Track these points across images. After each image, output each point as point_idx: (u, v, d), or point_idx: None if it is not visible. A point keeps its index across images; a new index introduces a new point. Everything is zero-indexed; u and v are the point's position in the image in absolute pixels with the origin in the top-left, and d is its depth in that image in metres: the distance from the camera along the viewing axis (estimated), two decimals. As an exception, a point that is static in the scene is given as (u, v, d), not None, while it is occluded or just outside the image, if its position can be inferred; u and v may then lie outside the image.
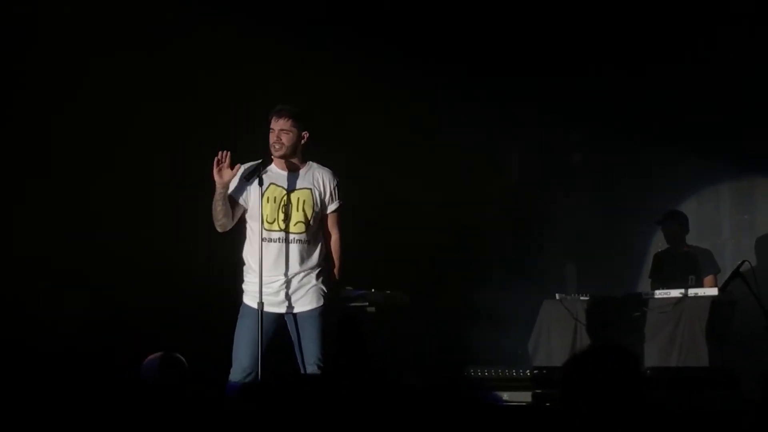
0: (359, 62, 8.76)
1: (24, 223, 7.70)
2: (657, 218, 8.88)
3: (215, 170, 6.32)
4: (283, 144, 6.38)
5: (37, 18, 7.80)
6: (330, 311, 6.40)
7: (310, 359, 6.23)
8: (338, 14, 8.81)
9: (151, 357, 5.58)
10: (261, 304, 6.24)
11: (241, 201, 6.49)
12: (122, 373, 5.94)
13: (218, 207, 6.38)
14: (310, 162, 6.53)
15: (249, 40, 8.34)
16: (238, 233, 6.55)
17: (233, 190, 6.49)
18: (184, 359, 5.54)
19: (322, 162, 6.60)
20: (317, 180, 6.46)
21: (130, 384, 4.93)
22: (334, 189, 6.49)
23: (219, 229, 6.47)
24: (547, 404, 5.36)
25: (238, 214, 6.52)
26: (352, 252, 6.71)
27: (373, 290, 7.81)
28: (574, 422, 2.87)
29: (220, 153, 6.33)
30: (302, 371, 6.19)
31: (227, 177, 6.33)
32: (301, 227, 6.41)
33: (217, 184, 6.35)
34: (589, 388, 2.90)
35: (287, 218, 6.41)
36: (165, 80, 8.15)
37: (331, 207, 6.50)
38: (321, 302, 6.37)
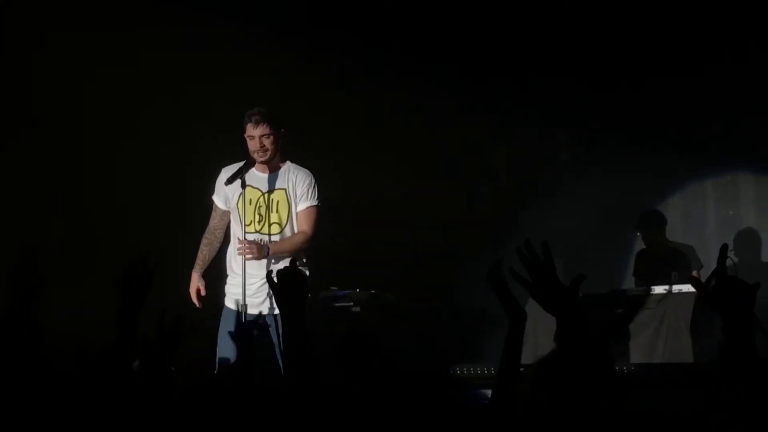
0: (345, 61, 8.77)
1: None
2: (633, 224, 8.89)
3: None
4: (267, 149, 6.39)
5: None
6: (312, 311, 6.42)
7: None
8: (324, 13, 8.81)
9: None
10: (244, 306, 6.27)
11: (225, 206, 6.53)
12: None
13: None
14: (288, 162, 6.54)
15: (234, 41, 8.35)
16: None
17: (218, 198, 6.56)
18: None
19: (305, 162, 6.61)
20: (292, 180, 6.47)
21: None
22: (307, 188, 6.47)
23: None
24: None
25: (226, 220, 6.57)
26: (336, 251, 6.74)
27: (357, 290, 7.82)
28: (540, 421, 2.87)
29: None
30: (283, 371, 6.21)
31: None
32: (277, 228, 6.43)
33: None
34: (555, 388, 2.90)
35: (263, 219, 6.43)
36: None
37: (301, 206, 6.46)
38: (300, 303, 6.37)
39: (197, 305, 6.47)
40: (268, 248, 6.35)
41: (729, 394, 2.74)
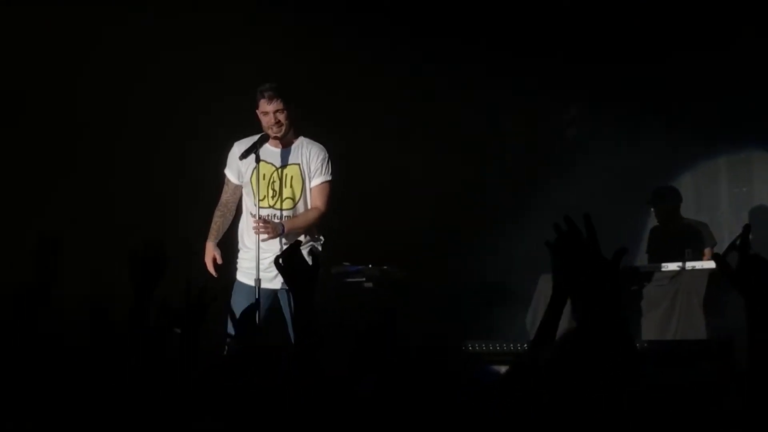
0: (356, 38, 8.74)
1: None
2: (647, 199, 8.84)
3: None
4: (282, 124, 6.37)
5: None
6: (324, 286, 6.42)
7: (303, 335, 6.24)
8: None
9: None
10: (258, 280, 6.25)
11: (238, 180, 6.52)
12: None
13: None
14: (302, 137, 6.52)
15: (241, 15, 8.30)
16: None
17: (231, 172, 6.55)
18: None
19: (318, 138, 6.59)
20: (305, 155, 6.45)
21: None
22: (321, 163, 6.46)
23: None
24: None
25: (238, 194, 6.56)
26: (349, 227, 6.71)
27: (370, 266, 7.81)
28: (559, 397, 2.85)
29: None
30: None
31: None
32: (290, 203, 6.42)
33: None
34: (575, 365, 2.87)
35: (276, 194, 6.41)
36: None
37: (315, 181, 6.45)
38: (313, 278, 6.36)
39: (214, 275, 6.46)
40: (283, 226, 6.34)
41: (756, 373, 2.72)
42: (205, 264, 6.54)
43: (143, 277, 3.50)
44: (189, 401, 3.23)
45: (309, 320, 3.42)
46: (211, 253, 6.51)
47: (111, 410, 3.17)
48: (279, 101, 6.36)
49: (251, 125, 6.57)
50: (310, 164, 6.44)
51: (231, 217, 6.63)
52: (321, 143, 6.56)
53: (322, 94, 8.42)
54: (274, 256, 5.80)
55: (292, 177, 6.45)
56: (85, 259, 7.54)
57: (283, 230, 6.32)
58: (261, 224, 6.26)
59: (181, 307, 3.50)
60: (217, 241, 6.58)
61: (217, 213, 6.63)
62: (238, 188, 6.57)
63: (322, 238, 6.53)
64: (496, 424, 2.93)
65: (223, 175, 6.64)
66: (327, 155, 6.49)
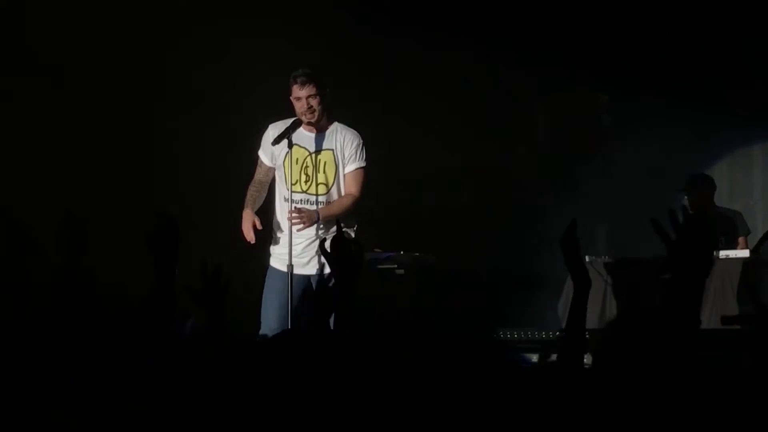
0: (384, 23, 8.72)
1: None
2: (680, 186, 8.76)
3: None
4: (315, 110, 6.34)
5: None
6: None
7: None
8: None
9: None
10: (290, 266, 6.23)
11: (271, 163, 6.50)
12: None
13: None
14: (336, 123, 6.48)
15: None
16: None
17: (264, 154, 6.52)
18: None
19: (350, 124, 6.56)
20: (339, 141, 6.41)
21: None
22: (355, 149, 6.42)
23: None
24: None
25: (271, 176, 6.54)
26: (380, 213, 6.68)
27: (401, 252, 7.78)
28: (609, 388, 2.83)
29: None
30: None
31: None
32: (324, 189, 6.39)
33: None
34: (633, 354, 2.84)
35: (309, 180, 6.39)
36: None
37: (349, 167, 6.41)
38: (346, 264, 6.34)
39: (252, 240, 6.41)
40: (318, 214, 6.31)
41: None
42: (242, 232, 6.47)
43: (161, 252, 3.47)
44: (221, 390, 3.21)
45: (351, 307, 3.41)
46: (251, 218, 6.43)
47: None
48: (312, 86, 6.33)
49: (285, 109, 6.54)
50: (344, 150, 6.41)
51: (264, 194, 6.59)
52: (355, 128, 6.52)
53: (356, 79, 8.39)
54: (319, 241, 5.85)
55: (325, 162, 6.42)
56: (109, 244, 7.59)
57: (318, 218, 6.30)
58: (296, 214, 6.23)
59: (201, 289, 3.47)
60: (254, 210, 6.53)
61: (252, 188, 6.60)
62: (271, 170, 6.55)
63: (355, 224, 6.49)
64: (535, 408, 2.91)
65: (257, 156, 6.61)
66: (361, 141, 6.45)
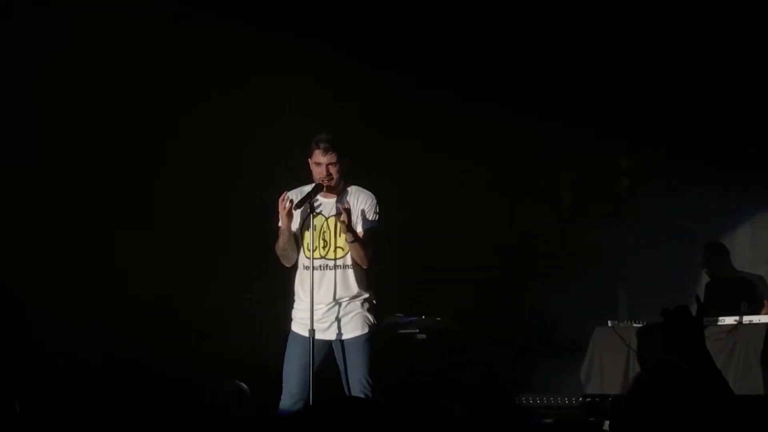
0: (408, 86, 8.78)
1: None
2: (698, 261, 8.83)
3: (282, 213, 6.33)
4: (333, 177, 6.35)
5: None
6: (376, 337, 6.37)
7: (357, 386, 6.20)
8: (386, 32, 8.76)
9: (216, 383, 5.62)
10: (312, 331, 6.22)
11: (295, 230, 6.50)
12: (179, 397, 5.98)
13: (288, 244, 6.37)
14: (352, 186, 6.50)
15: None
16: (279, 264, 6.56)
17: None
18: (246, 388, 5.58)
19: (368, 186, 6.56)
20: (353, 203, 6.42)
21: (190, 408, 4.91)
22: (369, 210, 6.42)
23: (286, 264, 6.46)
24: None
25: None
26: (401, 277, 6.65)
27: (423, 317, 7.76)
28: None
29: (282, 200, 6.32)
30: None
31: (292, 217, 6.34)
32: (341, 252, 6.38)
33: (283, 224, 6.36)
34: (664, 418, 2.81)
35: (327, 245, 6.39)
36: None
37: (364, 226, 6.40)
38: (366, 329, 6.32)
39: (284, 213, 6.28)
40: (346, 224, 6.23)
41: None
42: (276, 206, 6.37)
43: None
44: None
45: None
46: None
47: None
48: (333, 154, 6.35)
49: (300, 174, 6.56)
50: (358, 211, 6.42)
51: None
52: (371, 190, 6.53)
53: (373, 141, 8.43)
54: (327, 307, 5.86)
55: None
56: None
57: (347, 216, 6.27)
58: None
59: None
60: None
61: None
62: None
63: (370, 293, 6.45)
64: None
65: (273, 222, 6.55)
66: (375, 202, 6.46)
